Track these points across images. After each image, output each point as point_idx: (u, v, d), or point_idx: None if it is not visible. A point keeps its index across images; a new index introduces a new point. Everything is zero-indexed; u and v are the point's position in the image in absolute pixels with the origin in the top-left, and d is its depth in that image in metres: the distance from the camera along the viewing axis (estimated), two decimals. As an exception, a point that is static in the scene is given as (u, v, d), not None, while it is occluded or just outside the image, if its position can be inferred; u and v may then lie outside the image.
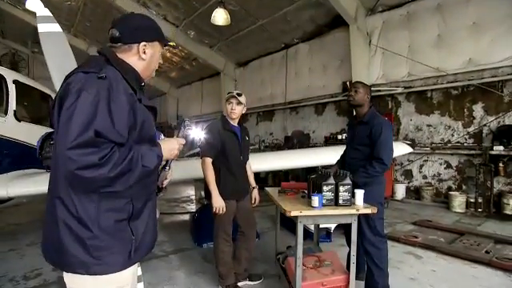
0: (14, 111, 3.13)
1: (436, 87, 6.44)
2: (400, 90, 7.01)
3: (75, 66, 2.10)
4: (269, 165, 3.77)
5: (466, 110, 6.07)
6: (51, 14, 2.01)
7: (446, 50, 6.22)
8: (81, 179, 0.99)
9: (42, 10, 1.98)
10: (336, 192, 2.15)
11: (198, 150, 11.59)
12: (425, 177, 6.73)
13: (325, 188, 2.14)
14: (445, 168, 6.38)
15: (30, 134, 3.38)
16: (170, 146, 1.24)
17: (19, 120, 3.20)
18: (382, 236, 2.43)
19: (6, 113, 3.04)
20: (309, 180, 2.51)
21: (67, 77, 1.14)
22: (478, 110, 5.91)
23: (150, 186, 1.26)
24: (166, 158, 1.26)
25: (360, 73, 7.47)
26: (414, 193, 6.80)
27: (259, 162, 3.59)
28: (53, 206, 1.09)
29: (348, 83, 7.86)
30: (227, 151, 2.53)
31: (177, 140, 1.31)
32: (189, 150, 13.29)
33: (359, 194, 2.18)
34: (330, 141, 7.61)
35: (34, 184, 2.94)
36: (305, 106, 9.64)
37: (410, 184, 6.94)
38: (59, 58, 1.99)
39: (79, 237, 1.06)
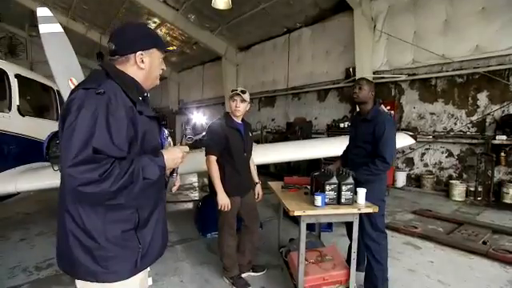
0: (18, 106, 3.14)
1: (441, 75, 6.35)
2: (404, 77, 6.91)
3: (77, 65, 2.10)
4: (272, 157, 3.79)
5: (470, 98, 6.01)
6: (52, 14, 1.97)
7: (452, 37, 6.08)
8: (84, 195, 1.04)
9: (42, 10, 1.95)
10: (338, 191, 2.19)
11: (201, 136, 11.54)
12: (426, 165, 6.77)
13: (327, 187, 2.18)
14: (446, 156, 6.41)
15: (34, 128, 3.41)
16: (173, 155, 1.26)
17: (23, 115, 3.21)
18: (382, 232, 2.49)
19: (9, 108, 3.05)
20: (312, 177, 2.56)
21: (71, 93, 1.16)
22: (482, 98, 5.85)
23: (156, 195, 1.29)
24: (170, 167, 1.27)
25: (363, 59, 7.36)
26: (415, 180, 6.87)
27: (262, 155, 3.61)
28: (62, 218, 1.15)
29: (351, 70, 7.78)
30: (231, 148, 2.55)
31: (180, 148, 1.32)
32: (193, 136, 13.34)
33: (361, 192, 2.22)
34: (333, 129, 7.60)
35: (41, 178, 3.00)
36: (307, 92, 9.56)
37: (411, 172, 6.99)
38: (61, 59, 1.98)
39: (87, 248, 1.12)
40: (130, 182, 1.07)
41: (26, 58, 16.54)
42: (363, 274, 2.58)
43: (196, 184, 7.28)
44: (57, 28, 1.96)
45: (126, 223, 1.17)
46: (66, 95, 2.00)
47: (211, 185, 2.57)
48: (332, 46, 8.47)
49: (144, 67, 1.25)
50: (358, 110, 2.75)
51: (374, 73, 7.39)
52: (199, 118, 15.52)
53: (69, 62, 2.02)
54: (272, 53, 10.63)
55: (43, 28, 1.91)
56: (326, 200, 2.17)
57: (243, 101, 2.62)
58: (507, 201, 5.27)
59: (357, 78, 7.46)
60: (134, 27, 1.33)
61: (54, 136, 2.32)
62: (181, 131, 16.32)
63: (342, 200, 2.18)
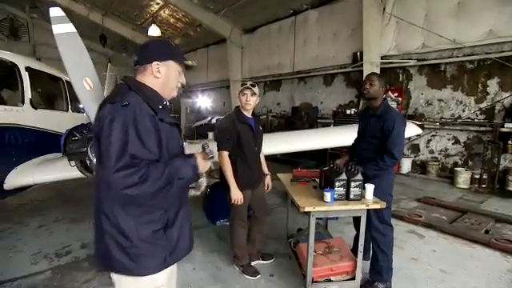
0: (30, 99, 3.19)
1: (451, 60, 6.23)
2: (412, 62, 6.79)
3: (91, 65, 2.12)
4: (279, 148, 3.82)
5: (480, 85, 5.92)
6: (64, 14, 1.97)
7: (465, 20, 5.91)
8: (128, 197, 1.16)
9: (55, 10, 1.95)
10: (347, 187, 2.25)
11: (207, 120, 11.72)
12: (431, 151, 6.79)
13: (337, 184, 2.24)
14: (452, 143, 6.41)
15: (47, 120, 3.48)
16: (204, 158, 1.37)
17: (36, 108, 3.27)
18: (388, 224, 2.56)
19: (23, 102, 3.10)
20: (321, 172, 2.62)
21: (100, 108, 1.26)
22: (492, 85, 5.76)
23: (182, 196, 1.40)
24: (201, 170, 1.36)
25: (372, 43, 7.21)
26: (420, 167, 6.91)
27: (269, 146, 3.61)
28: (99, 220, 1.28)
29: (358, 54, 7.63)
30: (243, 143, 2.59)
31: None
32: (196, 121, 13.37)
33: (369, 188, 2.28)
34: (339, 115, 7.57)
35: (57, 170, 3.08)
36: (313, 76, 9.45)
37: (417, 158, 7.03)
38: (76, 59, 1.99)
39: (122, 246, 1.25)
40: (167, 182, 1.19)
41: (28, 41, 16.37)
42: (368, 262, 2.69)
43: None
44: (70, 28, 1.96)
45: (156, 224, 1.29)
46: (80, 96, 2.04)
47: (223, 179, 2.63)
48: (339, 29, 8.28)
49: (160, 76, 1.34)
50: (363, 104, 2.75)
51: (382, 57, 7.26)
52: (204, 101, 15.51)
53: (83, 62, 2.03)
54: (278, 35, 10.41)
55: (57, 28, 1.91)
56: (335, 196, 2.23)
57: (253, 94, 2.63)
58: (511, 188, 5.32)
59: (364, 62, 7.36)
60: (155, 42, 1.46)
61: (69, 133, 2.38)
62: (185, 115, 16.34)
63: (351, 196, 2.25)
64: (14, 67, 3.13)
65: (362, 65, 7.47)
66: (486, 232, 3.68)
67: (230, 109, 13.01)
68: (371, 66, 7.25)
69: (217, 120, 11.25)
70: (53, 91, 4.00)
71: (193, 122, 14.47)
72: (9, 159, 2.88)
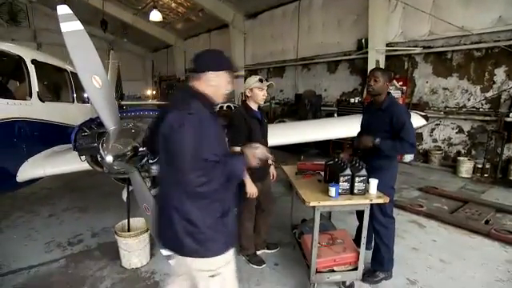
0: (38, 92, 3.22)
1: (458, 48, 6.13)
2: (418, 50, 6.69)
3: (100, 62, 2.15)
4: (283, 140, 3.85)
5: (486, 73, 5.85)
6: (71, 12, 1.97)
7: (474, 7, 5.77)
8: (199, 193, 1.41)
9: (62, 8, 1.95)
10: (352, 182, 2.30)
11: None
12: (435, 140, 6.80)
13: (341, 179, 2.29)
14: (456, 133, 6.40)
15: (54, 112, 3.52)
16: (251, 151, 1.57)
17: (43, 101, 3.29)
18: (390, 217, 2.63)
19: (30, 95, 3.12)
20: (326, 166, 2.66)
21: (164, 112, 1.49)
22: (499, 74, 5.69)
23: (233, 189, 1.63)
24: (249, 164, 1.56)
25: (377, 30, 7.09)
26: (423, 156, 6.94)
27: (273, 137, 3.62)
28: (169, 211, 1.50)
29: (363, 41, 7.51)
30: (253, 137, 2.61)
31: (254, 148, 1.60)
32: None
33: (373, 183, 2.33)
34: (343, 104, 7.54)
35: (67, 162, 3.13)
36: (317, 63, 9.34)
37: (420, 147, 7.03)
38: (84, 57, 2.01)
39: (191, 232, 1.47)
40: (227, 179, 1.44)
41: (28, 26, 16.16)
42: (370, 252, 2.78)
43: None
44: (77, 26, 1.96)
45: (217, 213, 1.51)
46: (90, 93, 2.07)
47: None
48: (344, 14, 8.11)
49: (213, 85, 1.53)
50: (363, 96, 2.76)
51: (387, 45, 7.15)
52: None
53: (91, 60, 2.04)
54: (281, 21, 10.21)
55: (65, 27, 1.91)
56: (340, 191, 2.28)
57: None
58: (513, 178, 5.36)
59: (369, 49, 7.25)
60: (211, 53, 1.65)
61: (79, 130, 2.42)
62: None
63: (355, 191, 2.30)
64: (20, 60, 3.14)
65: (366, 52, 7.37)
66: (487, 222, 3.75)
67: (232, 95, 12.95)
68: (376, 53, 7.16)
69: (220, 107, 11.23)
70: (58, 83, 4.01)
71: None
72: (20, 153, 2.93)
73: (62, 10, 1.93)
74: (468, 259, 3.01)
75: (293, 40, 9.88)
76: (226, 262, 1.58)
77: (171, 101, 1.62)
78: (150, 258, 2.97)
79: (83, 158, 2.47)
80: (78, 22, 1.98)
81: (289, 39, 10.03)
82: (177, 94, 1.69)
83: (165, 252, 2.32)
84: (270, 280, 2.67)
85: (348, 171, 2.30)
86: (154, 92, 19.55)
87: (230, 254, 1.61)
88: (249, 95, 2.68)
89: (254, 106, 2.70)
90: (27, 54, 3.24)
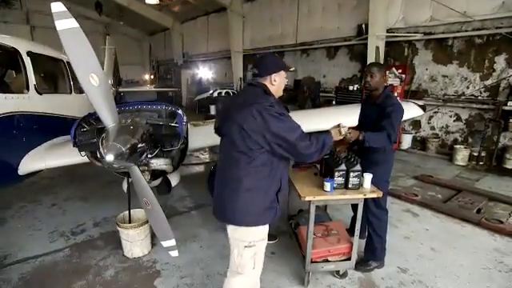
0: (35, 85, 3.20)
1: (459, 35, 6.06)
2: (419, 36, 6.60)
3: (96, 60, 2.14)
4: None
5: (487, 61, 5.81)
6: (66, 9, 1.94)
7: (477, -9, 5.65)
8: (304, 156, 1.76)
9: (56, 6, 1.92)
10: (346, 177, 2.35)
11: (209, 94, 11.59)
12: (432, 128, 6.83)
13: (336, 174, 2.34)
14: (454, 120, 6.43)
15: (52, 104, 3.52)
16: (335, 131, 2.02)
17: (40, 93, 3.28)
18: (384, 209, 2.71)
19: (28, 88, 3.11)
20: (321, 160, 2.71)
21: (249, 105, 1.70)
22: (500, 61, 5.65)
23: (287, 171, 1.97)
24: (335, 138, 1.99)
25: (378, 15, 6.97)
26: (420, 143, 7.00)
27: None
28: (235, 184, 1.76)
29: (363, 26, 7.39)
30: None
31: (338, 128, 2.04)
32: (198, 94, 13.21)
33: (368, 178, 2.38)
34: (342, 91, 7.50)
35: (67, 155, 3.16)
36: (316, 48, 9.22)
37: (417, 134, 7.09)
38: (81, 55, 2.00)
39: (254, 203, 1.76)
40: (322, 146, 1.78)
41: (20, 8, 15.73)
42: (364, 241, 2.88)
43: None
44: (73, 23, 1.94)
45: (276, 187, 1.81)
46: (87, 92, 2.08)
47: None
48: (345, -1, 7.93)
49: (275, 84, 1.84)
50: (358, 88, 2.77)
51: (387, 30, 7.05)
52: (205, 72, 15.23)
53: (88, 58, 2.03)
54: (280, 4, 9.99)
55: (60, 25, 1.88)
56: (335, 185, 2.34)
57: None
58: (508, 166, 5.45)
59: (369, 35, 7.15)
60: (271, 58, 1.94)
61: (78, 126, 2.44)
62: (186, 87, 16.15)
63: (350, 185, 2.36)
64: (15, 53, 3.10)
65: (366, 38, 7.27)
66: (478, 211, 3.86)
67: (231, 80, 12.84)
68: (376, 39, 7.06)
69: (218, 94, 11.17)
70: (55, 74, 3.98)
71: (194, 93, 14.34)
72: (20, 147, 2.96)
73: (57, 7, 1.90)
74: (458, 248, 3.12)
75: (292, 24, 9.69)
76: (262, 238, 1.86)
77: (243, 95, 1.95)
78: (152, 247, 3.07)
79: (83, 153, 2.51)
80: (73, 19, 1.96)
81: (288, 23, 9.84)
82: (247, 90, 1.94)
83: (165, 244, 2.42)
84: (266, 268, 2.75)
85: (343, 166, 2.35)
86: (152, 77, 19.31)
87: (266, 230, 1.89)
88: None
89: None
90: (22, 46, 3.19)
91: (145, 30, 19.79)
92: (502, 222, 3.44)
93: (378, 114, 2.52)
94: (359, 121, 2.89)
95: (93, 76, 2.04)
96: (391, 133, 2.42)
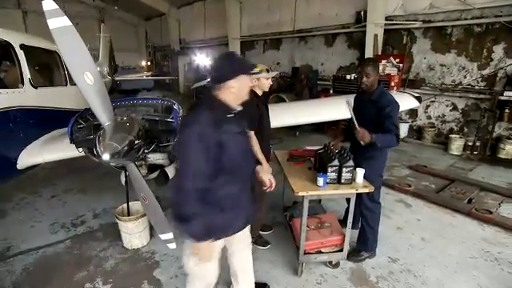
0: (29, 79, 3.19)
1: (458, 23, 5.99)
2: (418, 24, 6.51)
3: (91, 58, 2.15)
4: (281, 122, 3.89)
5: (485, 50, 5.79)
6: (57, 7, 1.93)
7: (478, -22, 5.55)
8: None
9: (47, 3, 1.90)
10: (339, 172, 2.41)
11: (206, 82, 11.47)
12: (429, 117, 6.86)
13: (329, 169, 2.40)
14: (450, 110, 6.46)
15: (48, 98, 3.52)
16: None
17: (36, 87, 3.27)
18: (377, 202, 2.77)
19: (22, 83, 3.10)
20: (316, 154, 2.76)
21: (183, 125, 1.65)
22: (498, 51, 5.63)
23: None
24: None
25: (377, 2, 6.86)
26: (416, 132, 7.04)
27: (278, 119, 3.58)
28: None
29: (362, 14, 7.28)
30: (263, 122, 2.70)
31: None
32: (196, 82, 13.10)
33: (360, 173, 2.44)
34: (339, 81, 7.46)
35: (64, 149, 3.19)
36: (314, 35, 9.10)
37: (414, 123, 7.12)
38: (74, 53, 2.00)
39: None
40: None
41: (12, -7, 15.29)
42: (356, 231, 2.96)
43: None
44: (65, 21, 1.93)
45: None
46: (82, 90, 2.10)
47: None
48: (344, -16, 7.76)
49: (234, 91, 1.56)
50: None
51: (386, 18, 6.94)
52: (202, 59, 15.02)
53: (82, 57, 2.03)
54: (278, -10, 9.76)
55: (52, 23, 1.88)
56: (328, 180, 2.40)
57: None
58: (501, 156, 5.52)
59: (368, 23, 7.05)
60: (225, 61, 1.60)
61: (75, 122, 2.47)
62: (184, 74, 15.95)
63: (342, 180, 2.42)
64: (8, 46, 3.07)
65: (365, 25, 7.17)
66: (470, 201, 3.95)
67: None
68: (375, 27, 6.97)
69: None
70: (50, 66, 3.94)
71: (191, 81, 14.21)
72: (18, 141, 2.99)
73: (48, 5, 1.89)
74: (448, 238, 3.22)
75: (290, 11, 9.52)
76: None
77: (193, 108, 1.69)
78: (150, 238, 3.15)
79: (81, 149, 2.54)
80: (66, 17, 1.95)
81: (286, 10, 9.66)
82: (199, 102, 1.69)
83: (163, 237, 2.49)
84: (260, 259, 2.86)
85: (336, 162, 2.40)
86: (149, 63, 19.05)
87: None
88: (255, 83, 2.73)
89: (260, 92, 2.75)
90: (15, 39, 3.15)
91: (140, 15, 19.36)
92: (491, 213, 3.53)
93: (376, 112, 2.52)
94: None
95: (87, 74, 2.06)
96: (397, 133, 2.46)
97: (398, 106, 2.55)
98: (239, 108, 1.63)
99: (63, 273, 2.69)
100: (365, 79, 2.52)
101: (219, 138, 1.48)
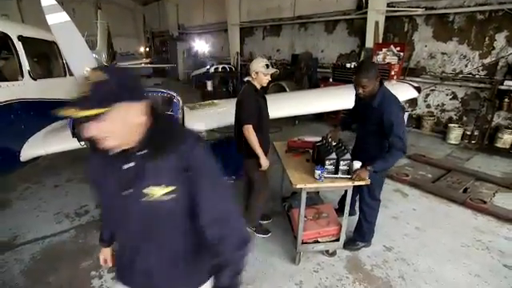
0: (29, 71, 3.19)
1: (461, 10, 5.89)
2: (420, 11, 6.40)
3: (90, 53, 2.16)
4: (281, 113, 3.92)
5: (487, 38, 5.71)
6: (56, 2, 1.92)
7: (482, -36, 5.42)
8: None
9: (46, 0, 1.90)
10: (336, 165, 2.46)
11: (205, 69, 11.47)
12: (428, 106, 6.86)
13: (327, 162, 2.45)
14: (450, 99, 6.45)
15: (48, 89, 3.52)
16: None
17: (35, 79, 3.28)
18: (377, 200, 2.80)
19: (22, 75, 3.11)
20: (314, 146, 2.80)
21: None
22: (500, 39, 5.56)
23: None
24: None
25: (379, -12, 6.69)
26: (416, 121, 7.05)
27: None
28: None
29: (363, 0, 7.14)
30: (263, 116, 2.75)
31: None
32: (195, 69, 12.97)
33: (356, 165, 2.49)
34: (339, 70, 7.40)
35: (66, 141, 3.24)
36: (315, 22, 8.95)
37: (413, 112, 7.12)
38: (74, 48, 2.02)
39: None
40: None
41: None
42: (353, 219, 3.02)
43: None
44: (64, 17, 1.94)
45: None
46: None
47: (248, 150, 2.75)
48: (346, -31, 7.57)
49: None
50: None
51: (388, 4, 6.82)
52: (201, 45, 14.83)
53: (81, 51, 2.06)
54: (278, -26, 9.53)
55: (51, 19, 1.89)
56: (325, 173, 2.46)
57: None
58: (499, 145, 5.56)
59: (369, 9, 6.94)
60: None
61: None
62: (183, 60, 15.76)
63: (339, 173, 2.47)
64: (5, 38, 3.05)
65: (366, 12, 7.05)
66: (465, 190, 4.03)
67: (228, 54, 12.57)
68: (376, 13, 6.86)
69: (215, 69, 11.00)
70: (48, 57, 3.92)
71: (190, 67, 14.08)
72: (20, 134, 3.03)
73: (47, 1, 1.89)
74: (442, 227, 3.31)
75: (290, -4, 9.33)
76: None
77: None
78: (153, 228, 3.24)
79: (83, 143, 2.58)
80: (64, 12, 1.95)
81: (286, -5, 9.47)
82: None
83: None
84: (259, 248, 2.94)
85: (333, 155, 2.45)
86: (147, 49, 18.79)
87: None
88: (254, 77, 2.74)
89: (258, 86, 2.77)
90: (12, 31, 3.13)
91: (138, 0, 18.95)
92: (485, 202, 3.61)
93: (379, 119, 2.41)
94: (353, 112, 2.93)
95: (87, 70, 2.07)
96: (402, 145, 2.36)
97: (400, 108, 2.47)
98: None
99: (69, 261, 2.79)
100: (361, 91, 2.42)
101: None
